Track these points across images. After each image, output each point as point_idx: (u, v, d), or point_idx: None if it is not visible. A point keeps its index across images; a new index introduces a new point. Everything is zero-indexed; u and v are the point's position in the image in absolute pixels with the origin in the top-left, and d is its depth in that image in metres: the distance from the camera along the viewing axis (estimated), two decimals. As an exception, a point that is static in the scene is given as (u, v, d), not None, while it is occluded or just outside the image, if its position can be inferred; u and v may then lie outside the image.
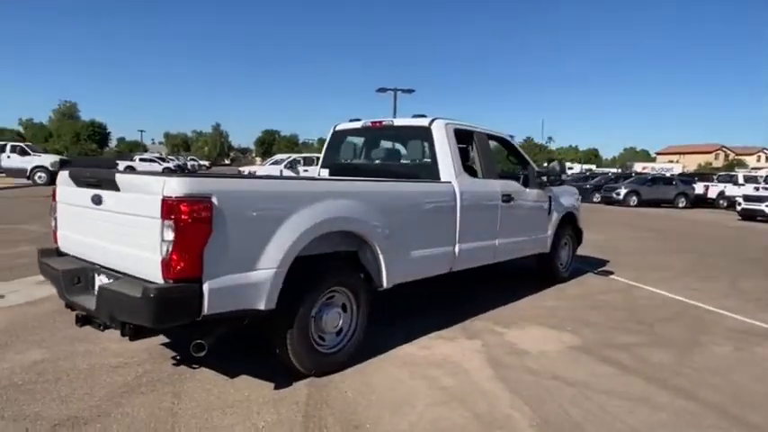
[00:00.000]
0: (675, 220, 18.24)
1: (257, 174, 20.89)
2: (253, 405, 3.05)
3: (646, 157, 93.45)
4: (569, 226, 6.60)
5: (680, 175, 34.19)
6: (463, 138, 5.07)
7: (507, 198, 5.15)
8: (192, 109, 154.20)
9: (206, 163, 73.64)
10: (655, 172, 39.95)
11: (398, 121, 4.95)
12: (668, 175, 32.44)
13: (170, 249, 2.67)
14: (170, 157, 55.17)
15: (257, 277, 2.98)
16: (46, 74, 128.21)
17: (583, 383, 3.48)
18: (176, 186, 2.68)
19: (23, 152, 26.33)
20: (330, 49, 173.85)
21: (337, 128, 5.53)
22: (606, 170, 49.59)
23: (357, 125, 5.35)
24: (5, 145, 26.82)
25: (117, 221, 3.05)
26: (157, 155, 52.74)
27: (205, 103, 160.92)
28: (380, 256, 3.76)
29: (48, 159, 26.35)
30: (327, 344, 3.55)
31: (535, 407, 3.12)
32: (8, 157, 25.55)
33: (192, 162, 58.83)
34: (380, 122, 5.10)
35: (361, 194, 3.67)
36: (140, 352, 3.75)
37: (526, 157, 5.91)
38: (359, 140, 5.51)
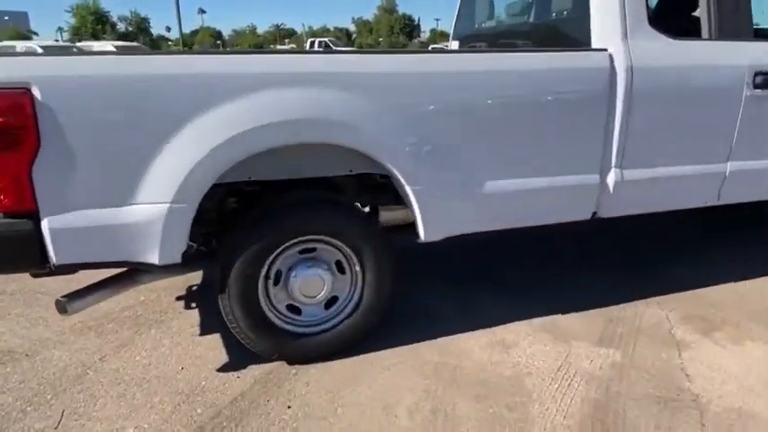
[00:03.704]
0: None
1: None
2: (166, 387, 2.15)
3: None
4: None
5: None
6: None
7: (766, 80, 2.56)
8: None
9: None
10: None
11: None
12: None
13: None
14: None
15: (137, 215, 1.89)
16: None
17: None
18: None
19: (327, 47, 29.87)
20: None
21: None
22: None
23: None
24: (314, 41, 30.88)
25: None
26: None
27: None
28: (408, 190, 2.16)
29: (344, 53, 29.50)
30: (305, 319, 2.29)
31: None
32: (316, 52, 29.54)
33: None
34: None
35: (362, 77, 2.06)
36: (166, 282, 3.04)
37: None
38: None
